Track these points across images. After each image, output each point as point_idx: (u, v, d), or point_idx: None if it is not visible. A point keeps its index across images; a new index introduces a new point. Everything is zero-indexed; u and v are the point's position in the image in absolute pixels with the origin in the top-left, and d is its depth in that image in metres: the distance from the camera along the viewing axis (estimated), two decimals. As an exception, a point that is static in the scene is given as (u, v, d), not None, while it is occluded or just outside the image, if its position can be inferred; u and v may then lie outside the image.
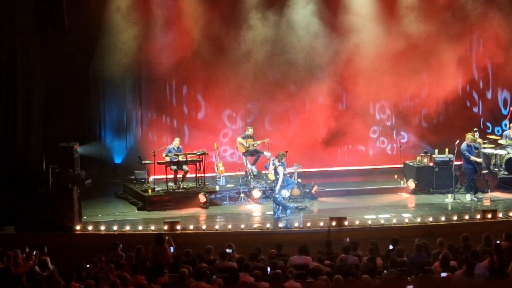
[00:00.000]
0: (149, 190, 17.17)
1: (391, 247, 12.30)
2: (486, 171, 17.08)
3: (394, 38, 19.65)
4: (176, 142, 17.67)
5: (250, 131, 18.70)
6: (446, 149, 18.10)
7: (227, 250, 11.96)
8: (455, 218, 15.08)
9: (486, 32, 20.08)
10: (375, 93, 20.36)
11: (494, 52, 19.98)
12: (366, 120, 20.79)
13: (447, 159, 17.79)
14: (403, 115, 20.92)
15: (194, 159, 17.28)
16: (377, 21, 19.75)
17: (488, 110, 21.13)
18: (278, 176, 16.00)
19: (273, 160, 16.44)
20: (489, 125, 20.97)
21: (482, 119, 21.09)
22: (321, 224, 14.73)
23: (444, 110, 21.00)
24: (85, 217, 15.76)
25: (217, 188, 17.39)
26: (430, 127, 20.99)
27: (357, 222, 14.84)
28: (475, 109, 21.24)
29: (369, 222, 14.87)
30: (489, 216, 15.02)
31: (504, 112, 20.80)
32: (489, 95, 21.17)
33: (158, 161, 17.40)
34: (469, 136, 16.93)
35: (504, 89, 21.02)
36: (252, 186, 17.61)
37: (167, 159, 17.30)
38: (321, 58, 19.87)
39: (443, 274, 10.58)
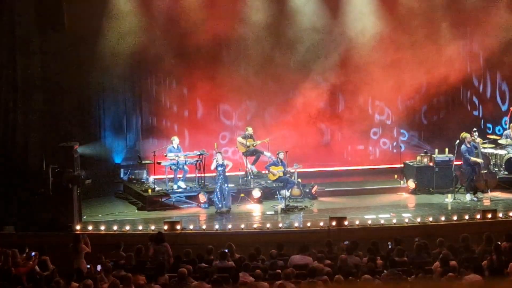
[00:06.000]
0: (149, 190, 17.17)
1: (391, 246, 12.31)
2: (485, 171, 17.08)
3: (394, 36, 19.69)
4: (176, 141, 17.63)
5: (249, 130, 18.69)
6: (446, 149, 18.08)
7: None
8: (455, 218, 15.08)
9: (485, 25, 19.97)
10: (375, 92, 20.34)
11: (494, 44, 19.91)
12: (366, 120, 20.76)
13: (447, 159, 17.77)
14: (402, 114, 20.89)
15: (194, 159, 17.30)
16: (377, 20, 19.75)
17: (487, 108, 21.10)
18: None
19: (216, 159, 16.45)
20: (489, 125, 20.91)
21: (482, 120, 21.04)
22: (321, 224, 14.73)
23: (444, 108, 21.01)
24: (85, 217, 15.77)
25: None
26: (430, 126, 20.99)
27: (357, 222, 14.83)
28: (475, 112, 21.17)
29: (369, 222, 14.88)
30: (489, 216, 15.01)
31: (503, 107, 20.76)
32: (488, 90, 21.12)
33: (158, 161, 17.40)
34: (466, 135, 16.86)
35: (503, 81, 20.93)
36: (252, 186, 17.61)
37: (170, 156, 17.26)
38: (321, 57, 19.86)
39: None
